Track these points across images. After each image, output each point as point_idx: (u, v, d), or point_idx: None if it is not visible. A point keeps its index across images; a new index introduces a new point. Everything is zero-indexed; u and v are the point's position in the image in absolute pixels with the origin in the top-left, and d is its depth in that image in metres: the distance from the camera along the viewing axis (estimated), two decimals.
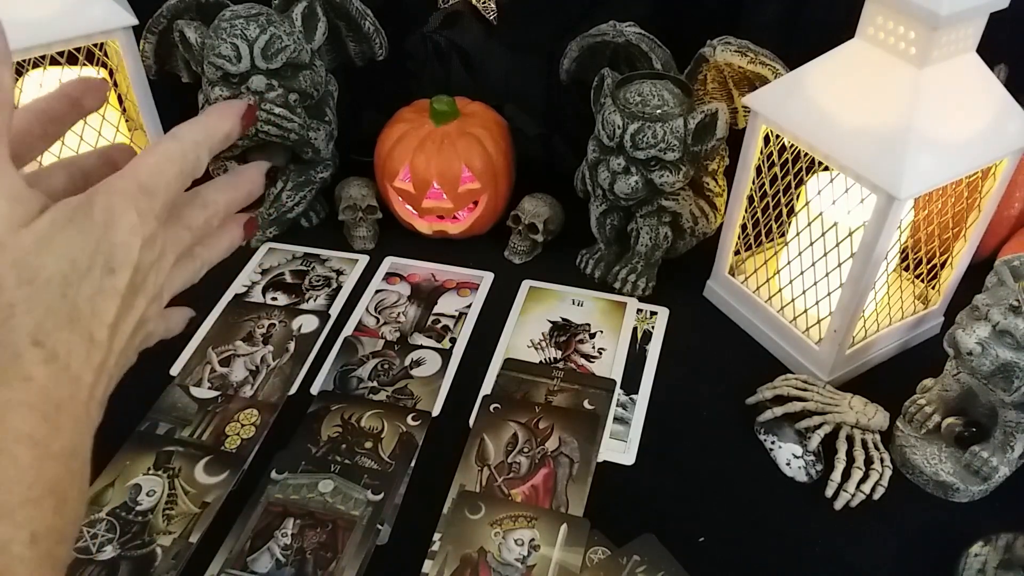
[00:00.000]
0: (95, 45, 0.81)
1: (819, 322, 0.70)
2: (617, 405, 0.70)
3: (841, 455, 0.63)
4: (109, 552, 0.58)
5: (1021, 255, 0.59)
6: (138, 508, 0.61)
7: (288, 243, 0.88)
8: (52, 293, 0.33)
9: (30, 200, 0.34)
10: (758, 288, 0.76)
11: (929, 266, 0.74)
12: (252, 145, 0.83)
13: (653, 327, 0.78)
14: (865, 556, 0.59)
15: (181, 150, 0.38)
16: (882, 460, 0.63)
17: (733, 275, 0.78)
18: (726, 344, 0.77)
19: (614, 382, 0.72)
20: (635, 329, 0.78)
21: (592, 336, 0.77)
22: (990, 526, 0.58)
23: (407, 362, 0.74)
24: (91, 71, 0.85)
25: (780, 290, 0.75)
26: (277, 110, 0.79)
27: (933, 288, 0.75)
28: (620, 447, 0.67)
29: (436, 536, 0.59)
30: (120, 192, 0.35)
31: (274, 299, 0.81)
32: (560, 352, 0.75)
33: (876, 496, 0.62)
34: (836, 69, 0.63)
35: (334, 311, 0.80)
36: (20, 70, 0.84)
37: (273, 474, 0.63)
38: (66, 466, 0.33)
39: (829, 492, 0.62)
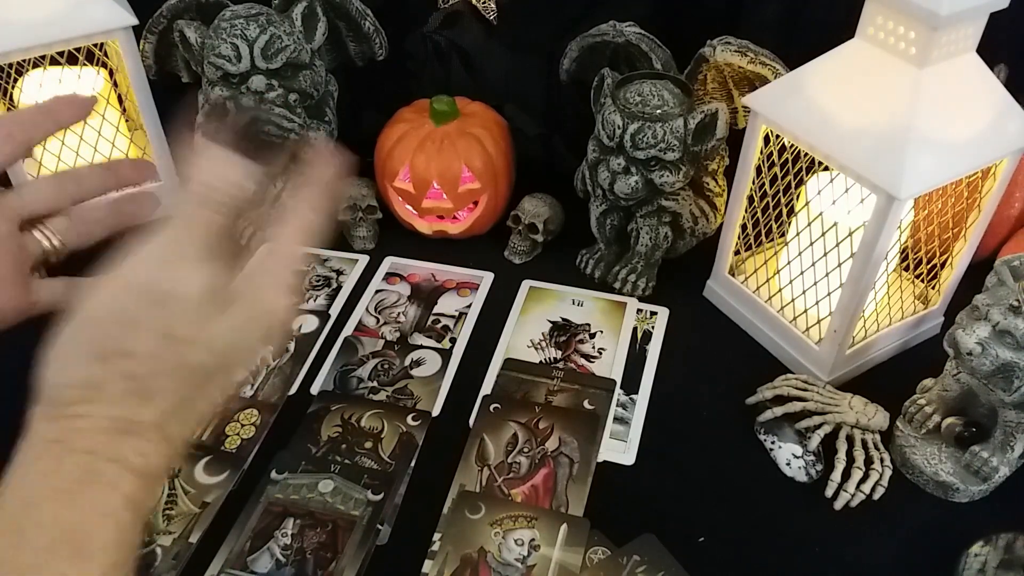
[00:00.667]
0: (95, 45, 0.81)
1: (819, 322, 0.70)
2: (617, 405, 0.70)
3: (841, 455, 0.63)
4: None
5: (1021, 255, 0.59)
6: None
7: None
8: (197, 381, 0.38)
9: (216, 300, 0.38)
10: (758, 288, 0.76)
11: (929, 266, 0.74)
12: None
13: (653, 327, 0.78)
14: (865, 556, 0.59)
15: (302, 244, 0.42)
16: (882, 460, 0.63)
17: (733, 275, 0.78)
18: (726, 344, 0.77)
19: (614, 382, 0.72)
20: (635, 329, 0.78)
21: (592, 336, 0.77)
22: (990, 526, 0.58)
23: (407, 362, 0.74)
24: (91, 71, 0.85)
25: (780, 290, 0.75)
26: (277, 110, 0.79)
27: (933, 288, 0.75)
28: (620, 447, 0.67)
29: (436, 536, 0.59)
30: (280, 292, 0.40)
31: None
32: (560, 352, 0.75)
33: (876, 496, 0.62)
34: (836, 69, 0.63)
35: (334, 311, 0.80)
36: (20, 70, 0.84)
37: (273, 474, 0.63)
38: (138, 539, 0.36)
39: (829, 492, 0.62)
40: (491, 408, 0.69)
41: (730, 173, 0.75)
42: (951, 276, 0.73)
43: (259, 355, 0.39)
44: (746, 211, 0.74)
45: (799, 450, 0.65)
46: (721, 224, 0.79)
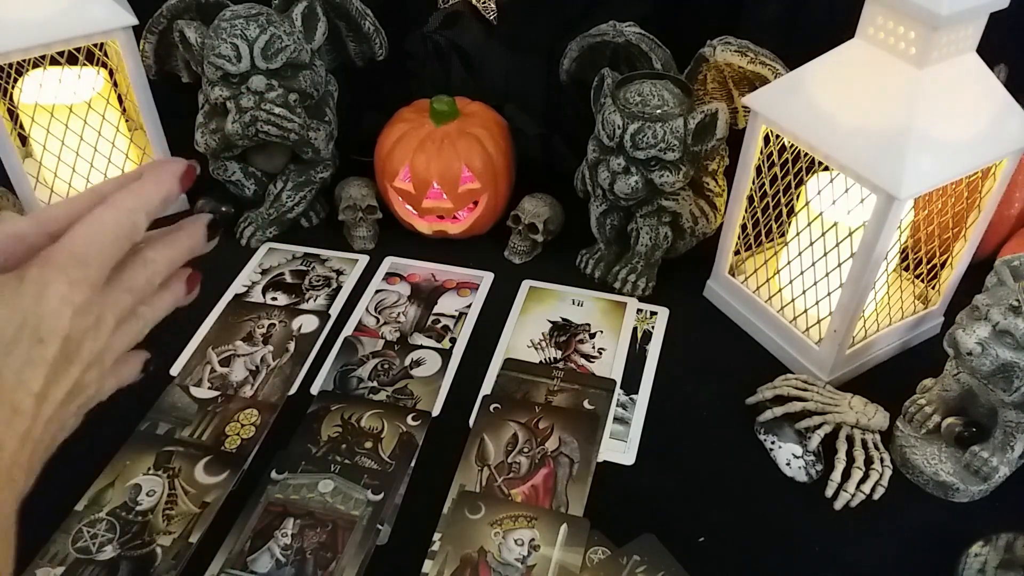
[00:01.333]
0: (95, 45, 0.81)
1: (819, 322, 0.70)
2: (617, 405, 0.70)
3: (841, 455, 0.63)
4: (109, 552, 0.58)
5: (1021, 255, 0.59)
6: (138, 508, 0.61)
7: (288, 243, 0.88)
8: None
9: None
10: (758, 288, 0.76)
11: (929, 266, 0.74)
12: (252, 145, 0.83)
13: (653, 327, 0.78)
14: (865, 556, 0.59)
15: (115, 218, 0.38)
16: (882, 460, 0.63)
17: (733, 275, 0.78)
18: (726, 344, 0.77)
19: (614, 382, 0.72)
20: (635, 329, 0.78)
21: (592, 336, 0.77)
22: (990, 526, 0.58)
23: (407, 362, 0.74)
24: (91, 71, 0.85)
25: (780, 290, 0.75)
26: (277, 110, 0.79)
27: (933, 288, 0.75)
28: (620, 447, 0.67)
29: (436, 536, 0.59)
30: (52, 263, 0.35)
31: (274, 299, 0.81)
32: (560, 352, 0.75)
33: (876, 496, 0.62)
34: (836, 69, 0.63)
35: (334, 311, 0.80)
36: (20, 70, 0.84)
37: (273, 474, 0.63)
38: None
39: (829, 492, 0.62)
40: (491, 408, 0.69)
41: (730, 173, 0.75)
42: (951, 276, 0.73)
43: (29, 336, 0.35)
44: (746, 211, 0.74)
45: (799, 450, 0.65)
46: (721, 224, 0.79)
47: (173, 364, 0.73)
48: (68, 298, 0.35)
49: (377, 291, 0.83)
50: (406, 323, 0.79)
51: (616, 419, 0.69)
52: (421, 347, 0.76)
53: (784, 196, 0.71)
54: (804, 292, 0.71)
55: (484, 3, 0.87)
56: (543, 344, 0.76)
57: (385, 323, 0.79)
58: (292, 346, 0.76)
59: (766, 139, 0.69)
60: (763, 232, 0.75)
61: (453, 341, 0.77)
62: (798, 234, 0.71)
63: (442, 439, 0.67)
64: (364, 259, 0.87)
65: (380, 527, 0.60)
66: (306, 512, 0.61)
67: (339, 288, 0.83)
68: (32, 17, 0.75)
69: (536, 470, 0.64)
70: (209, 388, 0.71)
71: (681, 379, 0.73)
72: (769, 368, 0.74)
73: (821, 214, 0.67)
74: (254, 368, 0.73)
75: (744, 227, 0.75)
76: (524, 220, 0.85)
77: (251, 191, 0.88)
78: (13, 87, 0.84)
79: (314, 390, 0.71)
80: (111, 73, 0.86)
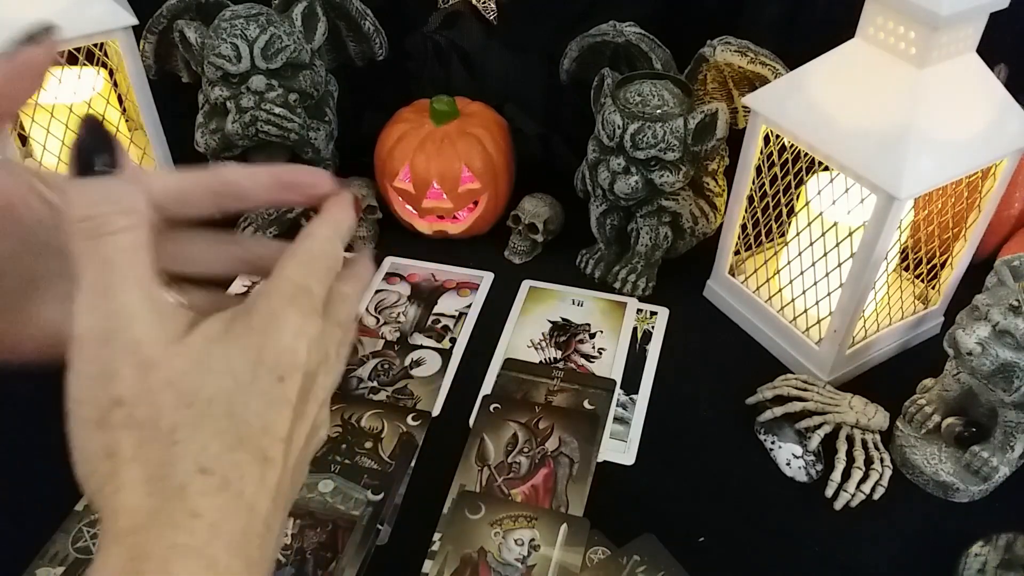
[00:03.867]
0: (95, 45, 0.81)
1: (819, 322, 0.70)
2: (617, 405, 0.70)
3: (841, 455, 0.63)
4: None
5: (1021, 255, 0.59)
6: None
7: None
8: (216, 412, 0.30)
9: (177, 315, 0.31)
10: (758, 288, 0.76)
11: (929, 266, 0.74)
12: (252, 145, 0.83)
13: (653, 327, 0.78)
14: (865, 556, 0.59)
15: (324, 247, 0.35)
16: (882, 460, 0.63)
17: (733, 275, 0.78)
18: (726, 344, 0.77)
19: (614, 382, 0.72)
20: (635, 329, 0.78)
21: (592, 336, 0.77)
22: (990, 526, 0.58)
23: (407, 362, 0.74)
24: (91, 71, 0.85)
25: (780, 290, 0.75)
26: (277, 110, 0.79)
27: (933, 288, 0.75)
28: (620, 447, 0.67)
29: (436, 536, 0.59)
30: (278, 294, 0.32)
31: None
32: (560, 352, 0.75)
33: (876, 496, 0.62)
34: (836, 69, 0.63)
35: None
36: None
37: None
38: None
39: (829, 492, 0.62)
40: (491, 408, 0.69)
41: (730, 173, 0.75)
42: (951, 276, 0.73)
43: (267, 375, 0.31)
44: (746, 211, 0.74)
45: (799, 450, 0.65)
46: (721, 224, 0.79)
47: None
48: (302, 330, 0.32)
49: (377, 291, 0.83)
50: (406, 323, 0.79)
51: (616, 419, 0.69)
52: (421, 347, 0.76)
53: (784, 196, 0.71)
54: (804, 292, 0.71)
55: (484, 3, 0.87)
56: (543, 344, 0.76)
57: (385, 323, 0.79)
58: None
59: (766, 139, 0.69)
60: (763, 232, 0.75)
61: (453, 341, 0.77)
62: (798, 234, 0.71)
63: (442, 439, 0.67)
64: None
65: (380, 527, 0.60)
66: (306, 512, 0.61)
67: None
68: (32, 17, 0.75)
69: (536, 470, 0.64)
70: None
71: (681, 379, 0.73)
72: (769, 368, 0.74)
73: (821, 214, 0.67)
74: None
75: (744, 227, 0.75)
76: (524, 220, 0.85)
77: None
78: None
79: None
80: (111, 73, 0.86)
